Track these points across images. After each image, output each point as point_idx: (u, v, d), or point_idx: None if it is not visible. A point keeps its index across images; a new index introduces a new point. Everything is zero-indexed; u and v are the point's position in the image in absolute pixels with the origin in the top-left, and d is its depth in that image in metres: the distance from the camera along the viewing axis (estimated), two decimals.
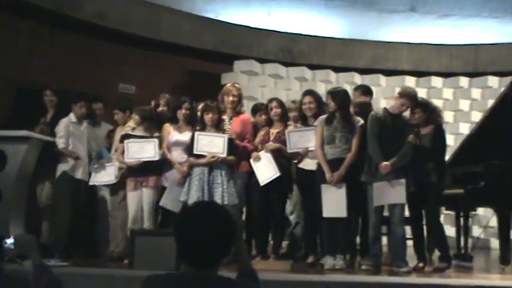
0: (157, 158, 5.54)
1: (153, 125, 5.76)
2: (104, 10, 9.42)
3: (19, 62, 8.54)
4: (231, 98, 5.81)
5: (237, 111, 5.86)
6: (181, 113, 5.73)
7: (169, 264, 4.32)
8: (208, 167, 5.36)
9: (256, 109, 6.10)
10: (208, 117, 5.48)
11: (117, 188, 5.95)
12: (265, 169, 5.55)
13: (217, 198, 5.15)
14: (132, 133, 5.76)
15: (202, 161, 5.37)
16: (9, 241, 4.51)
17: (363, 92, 6.32)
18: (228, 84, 6.09)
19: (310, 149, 5.47)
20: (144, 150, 5.56)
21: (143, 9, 9.86)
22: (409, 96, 5.42)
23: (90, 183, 6.07)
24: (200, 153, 5.38)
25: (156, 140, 5.59)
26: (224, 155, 5.36)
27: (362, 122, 5.39)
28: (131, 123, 5.95)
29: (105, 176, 5.97)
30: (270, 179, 5.51)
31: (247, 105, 6.96)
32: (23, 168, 5.54)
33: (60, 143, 6.01)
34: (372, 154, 5.29)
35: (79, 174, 6.13)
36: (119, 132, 6.06)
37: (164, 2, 9.94)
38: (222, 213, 2.11)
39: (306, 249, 5.75)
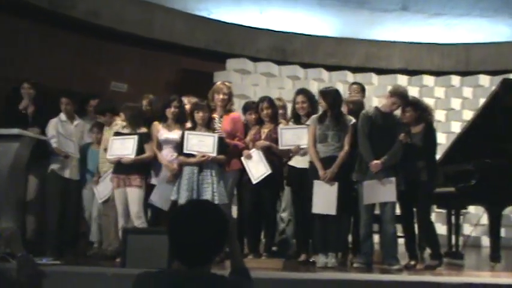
0: (133, 155, 5.47)
1: (139, 122, 5.72)
2: (98, 8, 9.41)
3: (13, 61, 8.51)
4: (221, 96, 5.81)
5: (227, 110, 5.86)
6: (170, 111, 5.71)
7: (161, 263, 4.33)
8: (198, 167, 5.36)
9: (246, 108, 6.11)
10: (198, 116, 5.48)
11: None
12: (256, 167, 5.57)
13: (207, 198, 5.13)
14: (122, 131, 5.75)
15: (192, 160, 5.38)
16: None
17: (360, 88, 6.46)
18: (219, 83, 6.09)
19: (301, 146, 5.49)
20: (123, 147, 5.53)
21: (137, 7, 9.85)
22: (400, 95, 5.45)
23: (100, 201, 6.03)
24: (190, 152, 5.38)
25: (136, 137, 5.53)
26: (214, 154, 5.36)
27: (354, 120, 5.42)
28: (120, 122, 5.93)
29: (104, 190, 5.95)
30: (262, 177, 5.53)
31: (239, 104, 6.97)
32: (15, 166, 5.53)
33: (53, 142, 6.00)
34: (362, 153, 5.31)
35: (67, 173, 6.12)
36: (107, 132, 6.06)
37: (157, 1, 9.93)
38: (214, 211, 2.13)
39: (297, 247, 5.77)
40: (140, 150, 5.53)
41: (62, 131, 6.10)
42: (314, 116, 5.48)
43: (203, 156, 5.33)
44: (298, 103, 5.67)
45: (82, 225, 6.49)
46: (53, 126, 6.08)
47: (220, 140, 5.44)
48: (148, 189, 5.59)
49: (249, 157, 5.61)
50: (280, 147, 5.59)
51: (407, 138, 5.36)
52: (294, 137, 5.54)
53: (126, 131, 5.72)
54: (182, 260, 2.08)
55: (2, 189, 5.38)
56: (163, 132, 5.69)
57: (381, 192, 5.19)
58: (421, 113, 5.57)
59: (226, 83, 6.08)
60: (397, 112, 5.55)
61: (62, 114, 6.23)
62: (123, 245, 4.85)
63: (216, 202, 5.06)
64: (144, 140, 5.58)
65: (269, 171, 5.52)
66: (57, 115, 6.23)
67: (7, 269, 2.31)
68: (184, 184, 5.33)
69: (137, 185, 5.49)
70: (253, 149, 5.65)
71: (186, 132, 5.46)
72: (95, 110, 6.42)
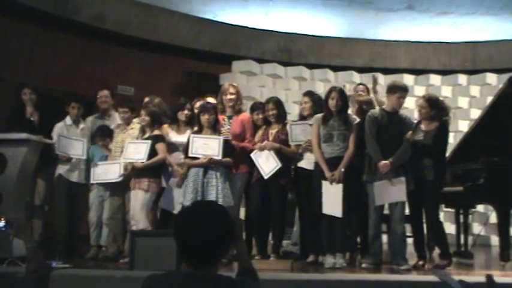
0: (145, 160, 5.47)
1: (153, 124, 5.70)
2: (103, 12, 9.44)
3: (19, 65, 8.55)
4: (228, 96, 5.84)
5: (236, 110, 5.88)
6: (183, 114, 5.73)
7: (169, 265, 4.33)
8: (204, 169, 5.36)
9: (253, 108, 6.12)
10: (204, 118, 5.48)
11: (117, 190, 5.94)
12: (266, 162, 5.55)
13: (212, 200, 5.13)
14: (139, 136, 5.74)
15: (196, 162, 5.38)
16: (0, 223, 4.52)
17: (365, 88, 6.48)
18: (226, 84, 6.13)
19: None
20: (137, 151, 5.53)
21: (141, 11, 9.86)
22: (398, 86, 5.45)
23: (93, 181, 5.99)
24: (195, 155, 5.38)
25: (149, 142, 5.52)
26: (219, 157, 5.35)
27: (358, 120, 5.41)
28: (136, 125, 5.91)
29: (109, 174, 5.89)
30: (273, 171, 5.51)
31: (246, 106, 6.96)
32: (23, 171, 5.55)
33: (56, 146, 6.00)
34: (371, 154, 5.30)
35: (75, 177, 6.12)
36: (120, 132, 6.06)
37: (162, 4, 9.94)
38: (219, 211, 2.13)
39: (305, 248, 5.75)
40: (151, 152, 5.50)
41: (67, 134, 6.10)
42: (317, 116, 5.47)
43: (208, 159, 5.33)
44: (301, 104, 5.75)
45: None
46: (58, 130, 6.09)
47: (226, 143, 5.43)
48: (154, 193, 5.56)
49: (261, 149, 5.57)
50: (291, 143, 5.61)
51: (414, 136, 5.33)
52: (303, 132, 5.57)
53: (142, 134, 5.71)
54: (189, 261, 2.08)
55: (11, 193, 5.40)
56: (173, 135, 5.69)
57: (392, 192, 5.17)
58: (438, 111, 5.54)
59: (233, 84, 6.11)
60: (403, 111, 5.55)
61: (68, 118, 6.24)
62: (131, 247, 4.86)
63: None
64: (156, 141, 5.54)
65: (279, 165, 5.49)
66: (62, 119, 6.24)
67: (16, 273, 2.32)
68: (190, 186, 5.33)
69: (143, 189, 5.48)
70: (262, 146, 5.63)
71: (191, 135, 5.46)
72: (119, 103, 6.28)
